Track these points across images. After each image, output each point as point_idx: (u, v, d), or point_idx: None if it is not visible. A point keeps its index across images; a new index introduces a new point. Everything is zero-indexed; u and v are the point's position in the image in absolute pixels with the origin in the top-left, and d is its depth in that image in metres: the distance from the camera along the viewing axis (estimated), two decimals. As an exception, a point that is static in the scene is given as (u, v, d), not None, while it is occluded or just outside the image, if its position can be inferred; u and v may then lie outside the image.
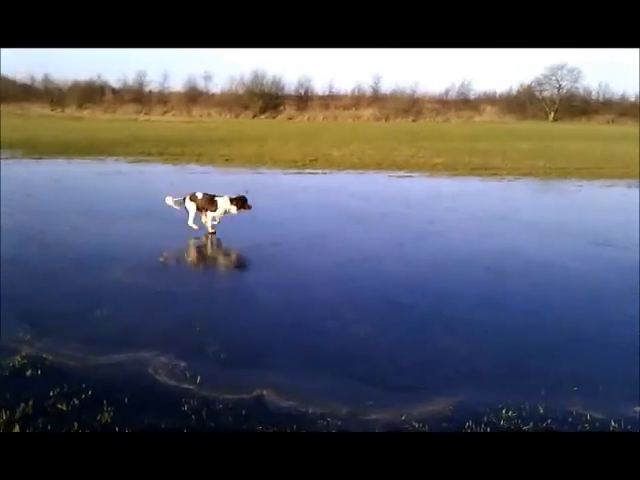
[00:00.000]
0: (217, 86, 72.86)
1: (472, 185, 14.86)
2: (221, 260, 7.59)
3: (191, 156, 19.58)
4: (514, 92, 69.01)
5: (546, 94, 66.36)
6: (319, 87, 71.80)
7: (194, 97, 67.07)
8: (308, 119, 61.15)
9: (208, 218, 8.24)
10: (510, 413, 3.70)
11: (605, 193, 14.06)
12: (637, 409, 3.84)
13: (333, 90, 71.10)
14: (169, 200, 8.39)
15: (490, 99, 68.76)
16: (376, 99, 67.89)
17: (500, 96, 69.54)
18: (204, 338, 4.71)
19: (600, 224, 10.06)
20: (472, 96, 70.09)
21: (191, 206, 8.26)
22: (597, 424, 3.64)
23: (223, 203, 8.18)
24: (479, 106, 66.31)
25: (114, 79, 71.19)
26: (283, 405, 3.73)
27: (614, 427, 3.61)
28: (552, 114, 63.58)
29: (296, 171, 16.78)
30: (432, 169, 17.62)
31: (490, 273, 6.90)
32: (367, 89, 71.04)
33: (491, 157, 20.69)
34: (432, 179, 15.88)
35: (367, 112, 63.58)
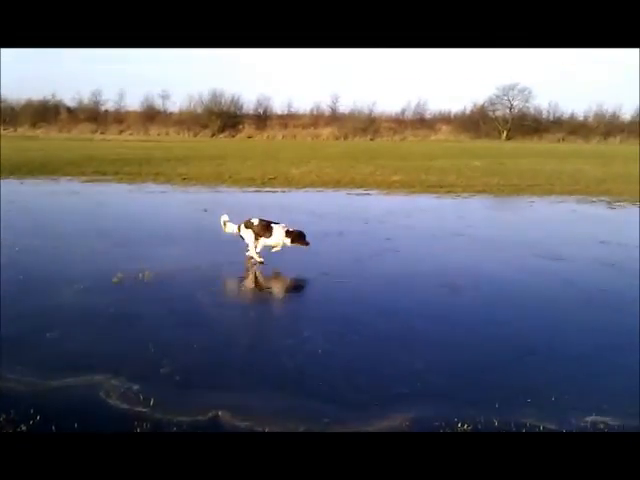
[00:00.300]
0: (175, 105, 72.03)
1: (428, 202, 15.12)
2: (175, 280, 7.46)
3: (148, 175, 19.33)
4: (468, 112, 70.88)
5: (499, 113, 68.26)
6: (278, 106, 71.84)
7: (151, 116, 66.40)
8: (267, 138, 61.22)
9: (259, 244, 7.85)
10: (466, 427, 3.74)
11: (556, 209, 14.50)
12: (588, 419, 3.93)
13: (292, 109, 71.63)
14: (225, 220, 8.11)
15: (445, 118, 70.36)
16: (334, 118, 68.60)
17: (455, 115, 71.28)
18: (158, 360, 4.61)
19: (551, 239, 10.34)
20: (428, 115, 71.69)
21: (248, 234, 7.83)
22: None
23: (278, 232, 7.79)
24: (435, 125, 67.73)
25: (69, 98, 69.59)
26: (238, 425, 3.67)
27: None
28: (505, 133, 65.42)
29: (255, 190, 16.76)
30: (389, 187, 17.86)
31: (445, 289, 7.00)
32: (325, 108, 71.83)
33: (446, 175, 21.11)
34: (390, 196, 16.08)
35: (326, 131, 64.10)
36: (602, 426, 3.83)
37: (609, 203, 15.26)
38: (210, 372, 4.49)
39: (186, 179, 18.67)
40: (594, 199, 15.97)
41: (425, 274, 7.63)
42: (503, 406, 4.04)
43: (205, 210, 12.62)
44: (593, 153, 39.21)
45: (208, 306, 6.05)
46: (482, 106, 69.16)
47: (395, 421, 3.79)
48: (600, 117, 66.65)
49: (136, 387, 4.14)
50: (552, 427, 3.78)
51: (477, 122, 66.64)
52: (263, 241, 7.82)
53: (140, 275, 6.89)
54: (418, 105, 71.52)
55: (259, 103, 69.19)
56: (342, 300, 6.42)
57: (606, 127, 64.10)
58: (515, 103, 67.14)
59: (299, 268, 7.76)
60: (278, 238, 7.76)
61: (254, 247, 7.82)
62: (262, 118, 67.69)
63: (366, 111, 68.84)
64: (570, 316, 6.17)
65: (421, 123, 68.87)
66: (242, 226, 7.89)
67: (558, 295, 6.89)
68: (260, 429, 3.62)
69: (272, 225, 7.84)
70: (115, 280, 6.73)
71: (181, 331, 5.32)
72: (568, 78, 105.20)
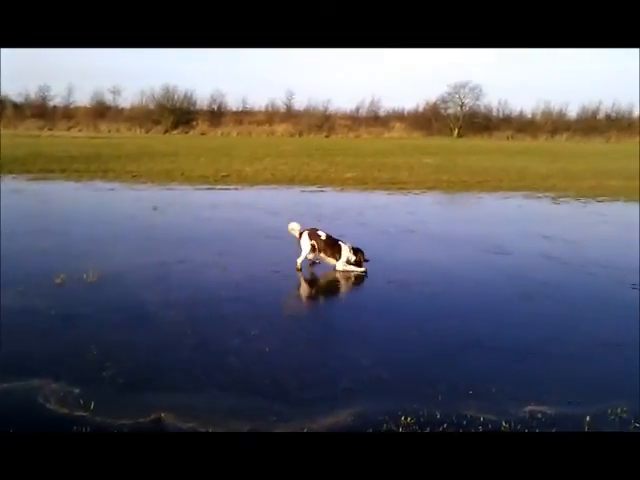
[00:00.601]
0: (126, 101, 70.24)
1: (381, 199, 15.27)
2: (121, 280, 7.30)
3: (96, 172, 18.85)
4: (421, 109, 71.81)
5: (450, 111, 69.42)
6: (232, 102, 71.00)
7: (101, 112, 64.68)
8: (222, 134, 60.53)
9: (340, 268, 7.53)
10: (409, 420, 3.80)
11: (503, 205, 14.87)
12: (527, 409, 4.05)
13: (247, 106, 71.00)
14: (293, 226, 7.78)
15: (398, 116, 71.05)
16: (290, 115, 68.41)
17: (408, 113, 72.09)
18: (101, 362, 4.51)
19: (498, 234, 10.58)
20: (382, 113, 72.26)
21: (307, 245, 7.49)
22: (489, 426, 3.80)
23: (346, 251, 7.56)
24: (388, 123, 68.32)
25: (15, 93, 66.86)
26: (182, 427, 3.63)
27: (505, 427, 3.78)
28: (456, 130, 66.58)
29: (208, 187, 16.57)
30: (343, 184, 17.96)
31: (394, 284, 7.08)
32: (281, 105, 71.57)
33: (399, 172, 21.37)
34: (343, 193, 16.17)
35: (281, 128, 63.84)
36: (540, 415, 3.96)
37: (554, 198, 15.76)
38: (154, 373, 4.42)
39: (136, 176, 18.30)
40: (540, 195, 16.47)
41: (376, 270, 7.70)
42: (446, 398, 4.13)
43: (155, 208, 12.41)
44: (540, 150, 40.40)
45: (154, 306, 5.94)
46: (434, 104, 70.21)
47: (340, 416, 3.82)
48: (547, 115, 68.67)
49: (77, 391, 4.04)
50: (491, 417, 3.89)
51: (430, 120, 67.62)
52: (340, 264, 7.54)
53: (84, 275, 6.72)
54: (372, 103, 72.09)
55: (213, 99, 68.44)
56: (292, 297, 6.42)
57: (553, 125, 66.10)
58: (466, 101, 68.44)
59: (250, 266, 7.71)
60: (346, 255, 7.56)
61: (303, 257, 7.53)
62: (216, 114, 66.87)
63: (321, 108, 68.99)
64: (514, 308, 6.34)
65: (375, 120, 69.38)
66: (305, 235, 7.55)
67: (503, 288, 7.07)
68: (203, 430, 3.59)
69: (340, 243, 7.60)
70: (58, 281, 6.54)
71: (125, 332, 5.22)
72: (518, 76, 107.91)
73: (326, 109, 69.27)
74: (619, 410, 4.03)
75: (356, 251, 7.63)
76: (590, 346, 5.31)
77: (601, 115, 67.76)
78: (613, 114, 67.24)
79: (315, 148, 36.31)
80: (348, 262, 7.58)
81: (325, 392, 4.20)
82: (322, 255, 7.60)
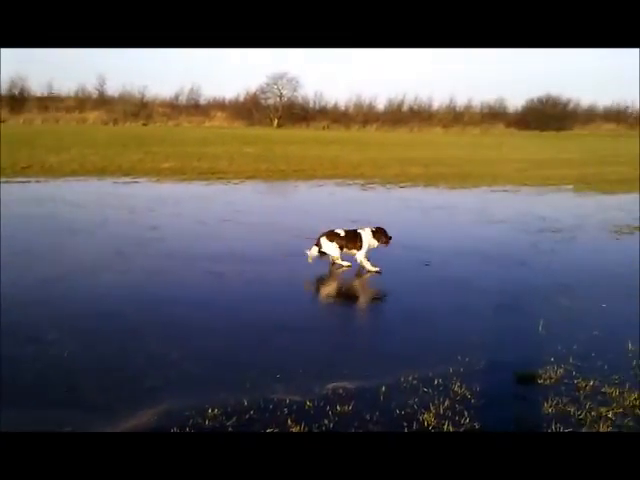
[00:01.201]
0: None
1: (199, 189, 15.03)
2: None
3: None
4: (242, 99, 71.90)
5: (270, 102, 70.54)
6: (37, 87, 64.53)
7: None
8: (24, 122, 54.78)
9: (360, 259, 7.36)
10: (215, 411, 3.79)
11: (317, 192, 15.51)
12: (330, 386, 4.26)
13: (53, 91, 65.01)
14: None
15: (220, 105, 70.44)
16: (103, 102, 64.14)
17: (229, 102, 71.77)
18: None
19: (309, 221, 10.97)
20: (202, 102, 70.99)
21: (332, 246, 7.29)
22: (295, 407, 3.94)
23: (367, 237, 7.37)
24: (209, 112, 67.42)
25: None
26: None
27: (309, 406, 3.94)
28: (276, 120, 67.90)
29: (3, 181, 14.90)
30: (160, 174, 17.36)
31: (210, 275, 7.03)
32: (92, 91, 66.73)
33: (219, 161, 21.20)
34: (159, 184, 15.63)
35: (93, 115, 59.59)
36: (341, 391, 4.18)
37: (362, 185, 16.81)
38: None
39: None
40: (350, 182, 17.45)
41: (189, 262, 7.56)
42: (253, 385, 4.19)
43: None
44: (352, 140, 42.75)
45: None
46: (255, 94, 70.77)
47: (142, 418, 3.69)
48: (359, 107, 72.97)
49: None
50: (296, 398, 4.03)
51: (250, 110, 68.04)
52: (360, 254, 7.38)
53: None
54: (192, 91, 70.43)
55: (13, 83, 61.57)
56: (98, 294, 6.05)
57: (364, 116, 70.44)
58: (284, 92, 70.00)
59: (50, 265, 7.10)
60: (368, 242, 7.41)
61: (339, 257, 7.36)
62: (17, 100, 60.33)
63: (137, 95, 65.68)
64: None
65: (196, 109, 67.96)
66: (324, 239, 7.26)
67: (310, 273, 7.36)
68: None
69: (359, 231, 7.42)
70: None
71: None
72: (330, 70, 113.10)
73: (143, 96, 66.20)
74: (410, 378, 4.42)
75: (375, 233, 7.55)
76: (388, 322, 5.76)
77: (405, 107, 73.73)
78: (415, 107, 73.51)
79: (131, 137, 34.56)
80: (370, 248, 7.52)
81: (128, 394, 4.02)
82: (345, 250, 7.48)
